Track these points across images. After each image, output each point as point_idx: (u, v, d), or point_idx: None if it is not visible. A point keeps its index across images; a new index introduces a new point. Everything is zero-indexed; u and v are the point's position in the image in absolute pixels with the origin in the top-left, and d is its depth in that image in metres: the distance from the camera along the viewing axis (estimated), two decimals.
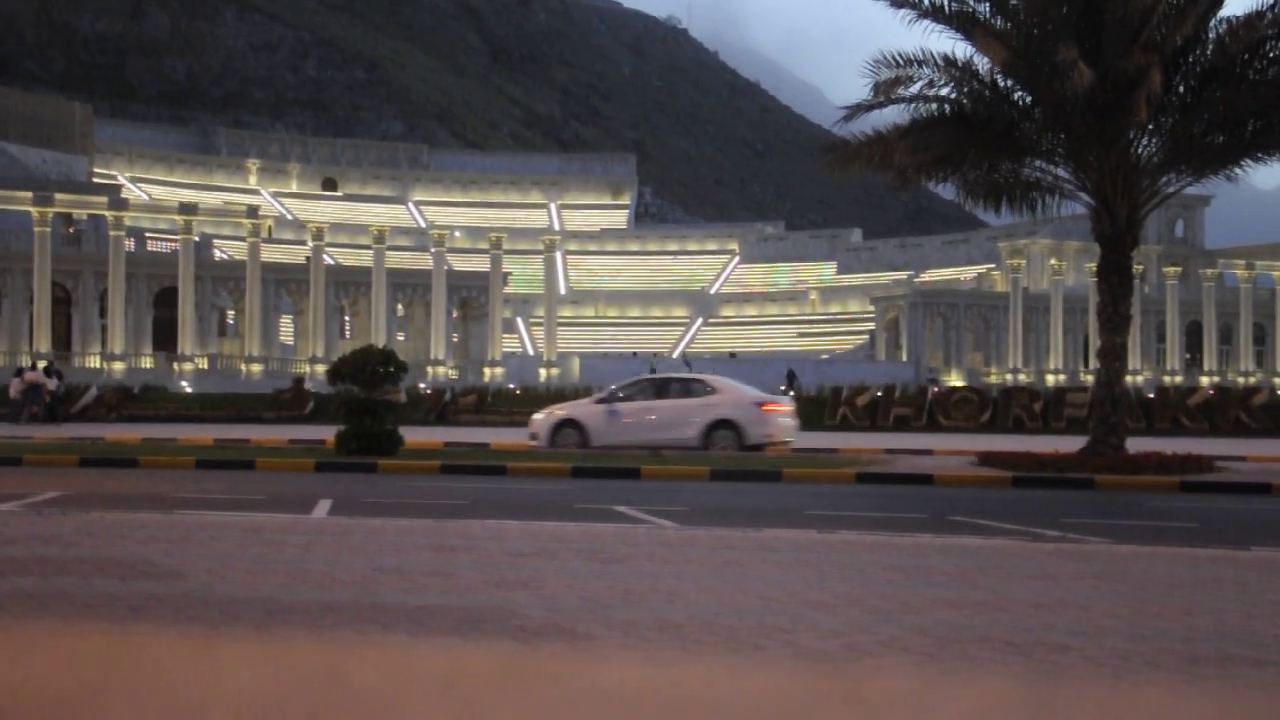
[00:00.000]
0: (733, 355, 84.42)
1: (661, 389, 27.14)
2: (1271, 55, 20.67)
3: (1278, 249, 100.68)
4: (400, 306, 79.52)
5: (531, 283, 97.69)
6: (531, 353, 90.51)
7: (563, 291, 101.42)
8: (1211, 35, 20.91)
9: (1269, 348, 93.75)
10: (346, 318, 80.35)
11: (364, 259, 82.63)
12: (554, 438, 26.04)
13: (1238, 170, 22.01)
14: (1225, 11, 21.07)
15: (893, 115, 22.10)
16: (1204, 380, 76.95)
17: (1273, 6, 20.17)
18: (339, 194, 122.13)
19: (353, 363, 24.05)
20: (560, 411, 27.15)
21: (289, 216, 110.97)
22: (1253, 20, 20.23)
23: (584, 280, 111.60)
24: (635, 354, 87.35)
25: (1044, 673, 4.92)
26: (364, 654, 5.06)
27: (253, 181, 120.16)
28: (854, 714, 3.97)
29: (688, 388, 27.18)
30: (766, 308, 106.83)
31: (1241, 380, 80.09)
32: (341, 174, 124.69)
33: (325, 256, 76.47)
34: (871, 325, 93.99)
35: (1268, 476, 19.17)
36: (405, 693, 4.14)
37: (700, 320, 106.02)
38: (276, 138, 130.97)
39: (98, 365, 66.82)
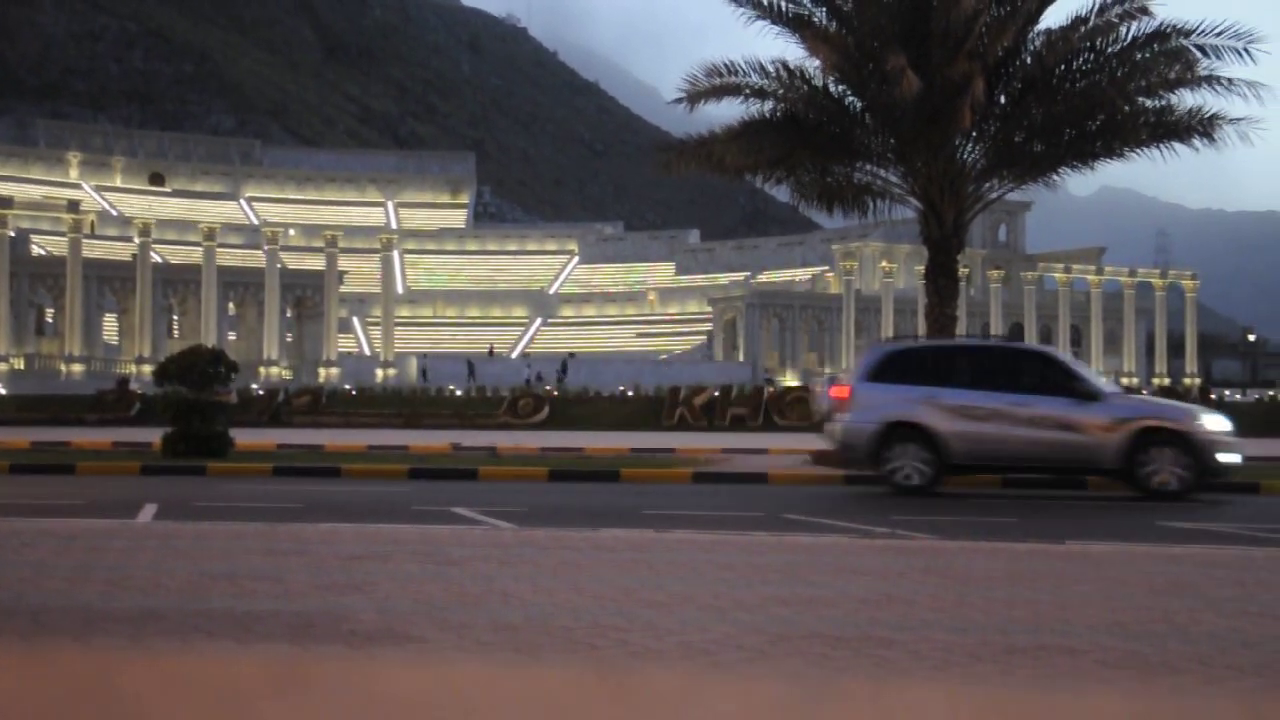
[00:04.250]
0: (572, 355, 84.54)
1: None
2: (1085, 67, 21.57)
3: (1093, 254, 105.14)
4: (232, 305, 77.56)
5: (368, 282, 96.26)
6: (368, 353, 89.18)
7: (400, 291, 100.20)
8: (1031, 47, 21.73)
9: (1085, 349, 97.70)
10: (175, 317, 78.07)
11: (193, 256, 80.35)
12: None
13: (1056, 177, 22.90)
14: (1045, 24, 21.92)
15: (731, 116, 22.45)
16: None
17: (1086, 20, 21.04)
18: (167, 189, 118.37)
19: (181, 363, 23.39)
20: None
21: (113, 212, 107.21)
22: (1067, 33, 21.08)
23: (422, 280, 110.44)
24: (491, 352, 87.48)
25: (820, 670, 5.04)
26: (135, 662, 4.91)
27: (74, 175, 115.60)
28: (619, 712, 4.02)
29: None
30: (606, 308, 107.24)
31: None
32: (170, 169, 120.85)
33: (152, 253, 74.13)
34: (709, 326, 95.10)
35: None
36: (174, 702, 4.03)
37: (540, 320, 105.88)
38: (99, 130, 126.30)
39: None
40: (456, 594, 6.88)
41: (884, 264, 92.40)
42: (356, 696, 4.23)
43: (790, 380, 77.03)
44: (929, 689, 4.66)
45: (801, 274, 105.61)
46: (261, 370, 69.42)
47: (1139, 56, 21.12)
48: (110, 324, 78.10)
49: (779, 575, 7.77)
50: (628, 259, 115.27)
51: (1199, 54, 20.73)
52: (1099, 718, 4.25)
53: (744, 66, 21.73)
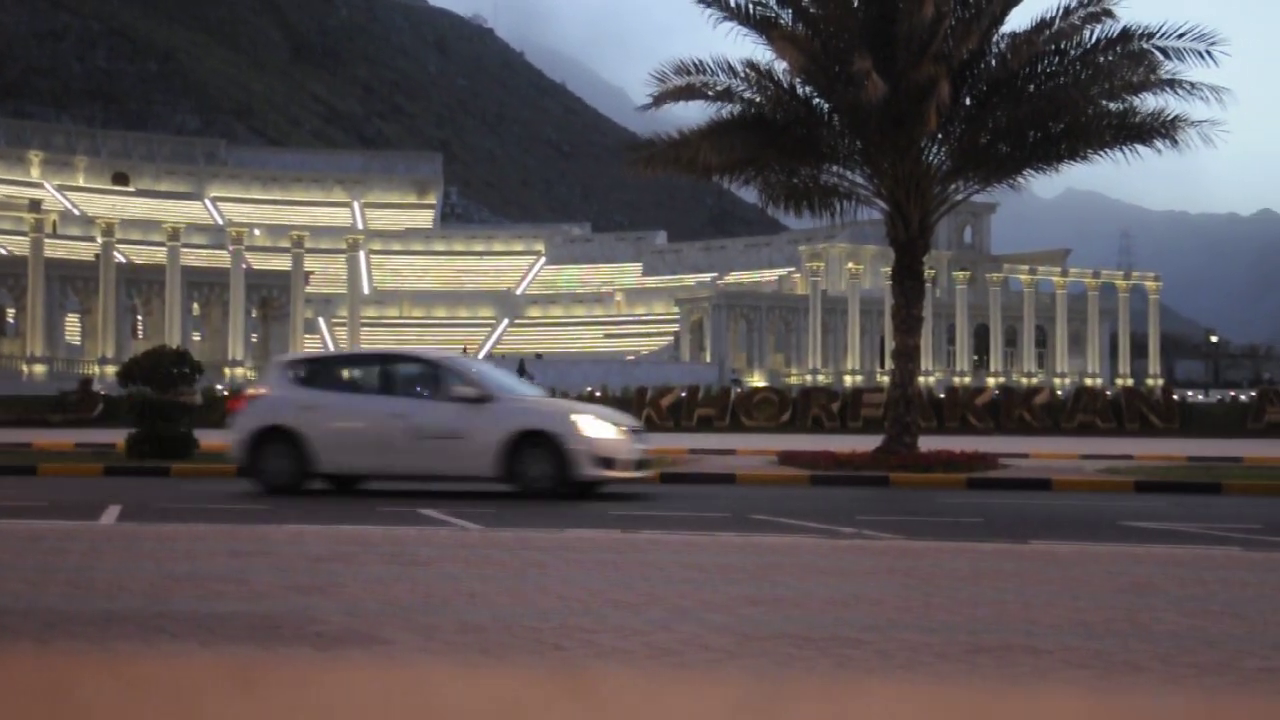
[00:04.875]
0: (539, 356, 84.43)
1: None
2: (1049, 70, 21.70)
3: (1058, 255, 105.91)
4: (196, 306, 77.05)
5: (334, 282, 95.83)
6: None
7: (366, 291, 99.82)
8: (996, 49, 21.84)
9: (1049, 350, 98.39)
10: (139, 317, 77.50)
11: (158, 256, 79.78)
12: None
13: (1021, 179, 23.03)
14: (1009, 27, 22.05)
15: (698, 118, 22.48)
16: (990, 381, 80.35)
17: (1050, 23, 21.17)
18: (131, 189, 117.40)
19: (145, 363, 23.23)
20: None
21: (76, 212, 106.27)
22: (1031, 36, 21.20)
23: (388, 280, 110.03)
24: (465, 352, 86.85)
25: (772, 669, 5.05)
26: (96, 665, 4.87)
27: (35, 174, 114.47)
28: (578, 712, 4.02)
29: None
30: (573, 309, 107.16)
31: (1025, 381, 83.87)
32: (134, 168, 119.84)
33: (116, 253, 73.53)
34: (676, 327, 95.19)
35: (1047, 473, 20.11)
36: (131, 705, 4.00)
37: (506, 321, 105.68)
38: (62, 129, 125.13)
39: None
40: (423, 595, 6.87)
41: (850, 265, 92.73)
42: (314, 698, 4.21)
43: (757, 381, 77.19)
44: (888, 689, 4.68)
45: (768, 275, 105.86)
46: (227, 371, 68.99)
47: (1102, 59, 21.26)
48: (73, 324, 77.44)
49: (746, 575, 7.78)
50: (595, 260, 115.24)
51: (1161, 56, 20.88)
52: (1059, 717, 4.28)
53: (712, 65, 21.76)
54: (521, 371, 65.61)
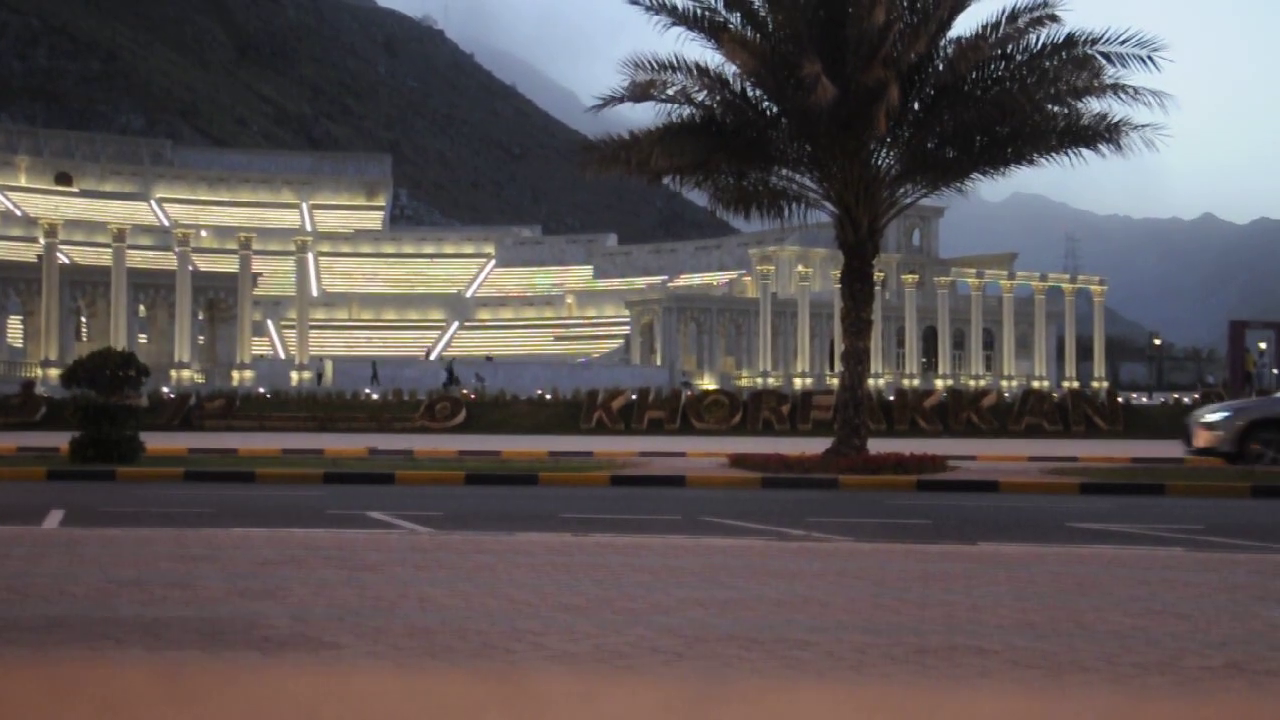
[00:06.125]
0: (489, 359, 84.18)
1: None
2: (996, 75, 21.90)
3: (1005, 259, 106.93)
4: (142, 308, 76.12)
5: (283, 284, 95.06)
6: (283, 356, 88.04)
7: (315, 294, 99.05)
8: (943, 54, 22.01)
9: (997, 352, 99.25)
10: (83, 319, 76.47)
11: (103, 258, 78.80)
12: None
13: (968, 182, 23.24)
14: (957, 32, 22.23)
15: (649, 119, 22.50)
16: (939, 383, 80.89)
17: (997, 28, 21.37)
18: (74, 189, 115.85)
19: (89, 366, 22.94)
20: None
21: (18, 212, 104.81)
22: (978, 41, 21.39)
23: (337, 282, 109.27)
24: (428, 355, 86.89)
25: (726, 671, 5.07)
26: (34, 672, 4.81)
27: None
28: (510, 715, 4.02)
29: None
30: (523, 312, 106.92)
31: (972, 383, 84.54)
32: (77, 168, 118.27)
33: (59, 254, 72.56)
34: (627, 329, 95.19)
35: (995, 475, 20.29)
36: (66, 713, 3.95)
37: (457, 324, 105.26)
38: (2, 128, 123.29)
39: None
40: (372, 599, 6.83)
41: (800, 268, 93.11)
42: (246, 703, 4.18)
43: (708, 384, 77.32)
44: (820, 691, 4.70)
45: (719, 278, 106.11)
46: (173, 374, 68.21)
47: (1048, 64, 21.49)
48: (15, 327, 76.33)
49: (696, 578, 7.80)
50: (545, 262, 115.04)
51: (1105, 62, 21.14)
52: (989, 716, 4.32)
53: (663, 63, 21.76)
54: (450, 375, 65.98)
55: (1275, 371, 64.95)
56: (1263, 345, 69.90)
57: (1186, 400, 49.38)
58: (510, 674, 4.89)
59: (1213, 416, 22.57)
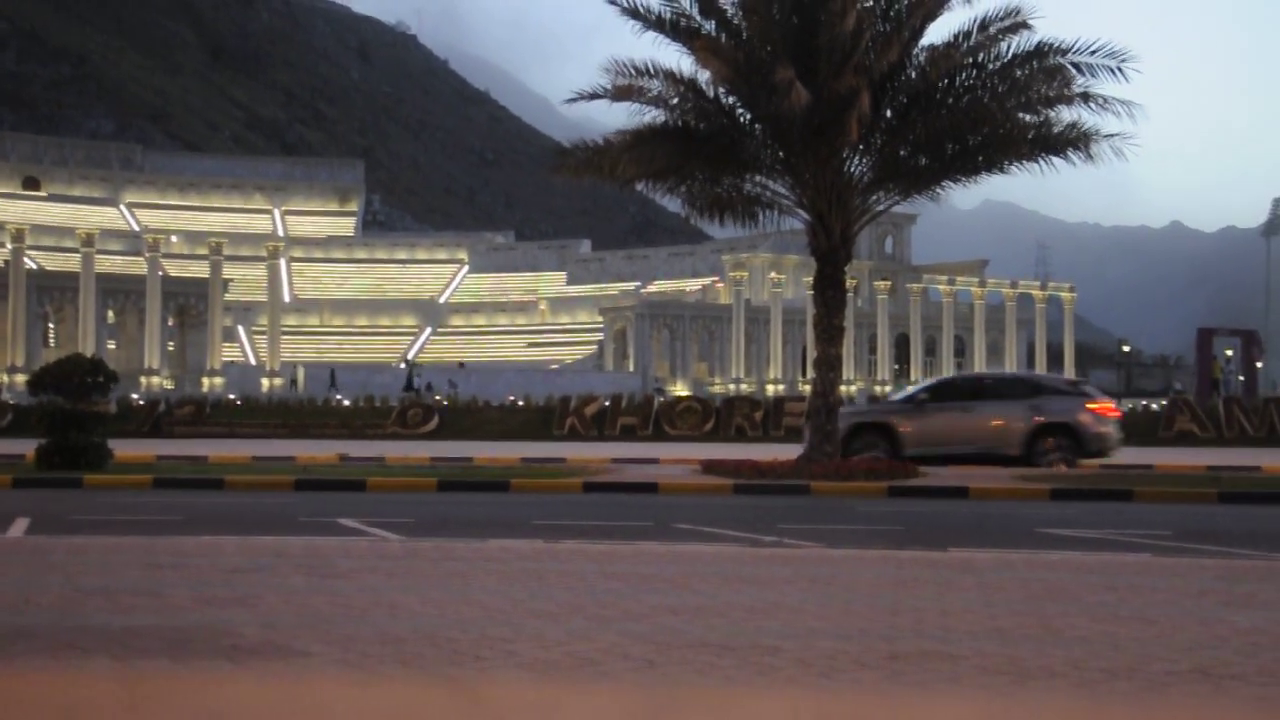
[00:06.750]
0: (461, 365, 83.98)
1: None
2: (968, 83, 22.02)
3: (976, 266, 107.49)
4: (111, 314, 75.65)
5: (254, 290, 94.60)
6: (254, 362, 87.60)
7: (287, 299, 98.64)
8: (916, 62, 22.11)
9: (968, 359, 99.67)
10: (51, 325, 75.94)
11: (71, 263, 78.18)
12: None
13: (940, 190, 23.34)
14: (929, 40, 22.34)
15: (622, 124, 22.50)
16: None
17: (969, 36, 21.49)
18: (42, 194, 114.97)
19: (57, 372, 22.75)
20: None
21: None
22: (950, 49, 21.50)
23: (309, 288, 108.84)
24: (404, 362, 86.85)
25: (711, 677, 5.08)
26: None
27: None
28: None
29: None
30: (496, 318, 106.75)
31: None
32: (45, 173, 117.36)
33: (26, 259, 72.03)
34: (600, 336, 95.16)
35: (965, 480, 20.35)
36: None
37: (429, 330, 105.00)
38: None
39: None
40: (342, 606, 6.80)
41: (773, 275, 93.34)
42: (202, 712, 4.15)
43: (681, 390, 77.37)
44: (780, 699, 4.72)
45: (692, 284, 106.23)
46: (142, 380, 67.77)
47: (1019, 73, 21.61)
48: None
49: (668, 585, 7.80)
50: (518, 268, 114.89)
51: (1076, 71, 21.28)
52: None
53: (639, 68, 21.77)
54: (409, 383, 66.12)
55: (1241, 378, 65.51)
56: (1229, 352, 70.52)
57: (1155, 407, 49.72)
58: (474, 682, 4.88)
59: None
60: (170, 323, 76.61)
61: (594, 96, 22.13)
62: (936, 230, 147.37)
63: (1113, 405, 24.39)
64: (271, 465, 24.66)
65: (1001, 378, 29.50)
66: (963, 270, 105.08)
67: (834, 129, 20.95)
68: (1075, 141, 21.62)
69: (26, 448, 23.99)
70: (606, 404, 44.58)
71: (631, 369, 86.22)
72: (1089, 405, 24.47)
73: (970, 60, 21.74)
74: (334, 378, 70.52)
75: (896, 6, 21.80)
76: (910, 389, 27.18)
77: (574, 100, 22.31)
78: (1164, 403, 46.22)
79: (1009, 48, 21.64)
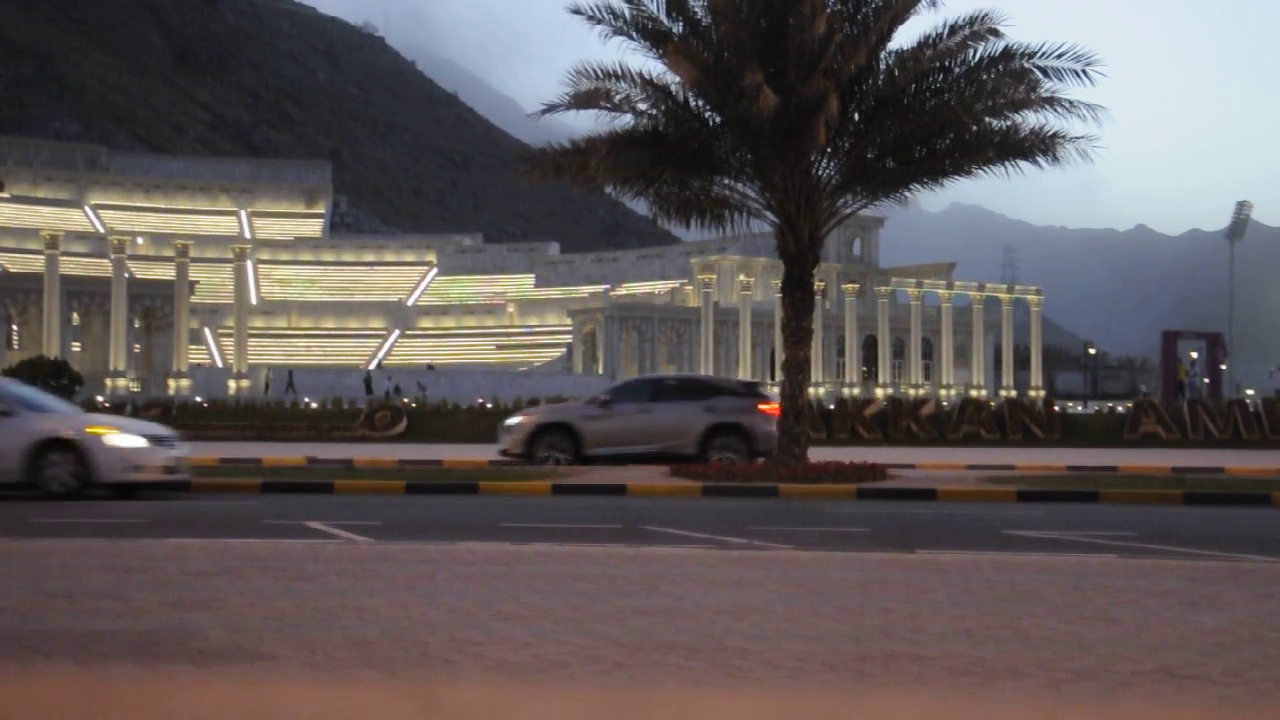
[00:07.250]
0: (430, 368, 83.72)
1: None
2: (935, 87, 22.11)
3: (943, 269, 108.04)
4: (76, 316, 75.06)
5: (220, 292, 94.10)
6: (220, 365, 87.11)
7: (254, 301, 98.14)
8: (883, 66, 22.20)
9: (936, 361, 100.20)
10: (14, 327, 75.28)
11: (35, 265, 77.57)
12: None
13: (908, 193, 23.42)
14: (897, 44, 22.43)
15: (591, 127, 22.47)
16: (879, 392, 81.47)
17: (936, 41, 21.59)
18: (6, 195, 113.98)
19: (21, 374, 22.57)
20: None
21: None
22: (918, 53, 21.60)
23: (276, 290, 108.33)
24: (378, 366, 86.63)
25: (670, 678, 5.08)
26: None
27: None
28: None
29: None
30: (465, 320, 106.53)
31: (912, 392, 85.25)
32: (9, 174, 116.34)
33: None
34: (569, 338, 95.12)
35: (933, 483, 20.45)
36: None
37: (398, 332, 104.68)
38: None
39: None
40: (310, 610, 6.76)
41: (742, 277, 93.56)
42: (163, 717, 4.12)
43: None
44: (740, 701, 4.72)
45: (660, 287, 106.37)
46: (108, 382, 67.29)
47: (985, 77, 21.72)
48: None
49: (637, 587, 7.80)
50: (487, 271, 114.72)
51: (1042, 75, 21.40)
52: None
53: (607, 72, 21.77)
54: (368, 388, 66.22)
55: (1206, 380, 66.06)
56: (1194, 355, 71.07)
57: (1121, 409, 50.07)
58: (436, 685, 4.86)
59: (512, 421, 25.26)
60: (136, 325, 76.11)
61: (561, 107, 22.12)
62: (904, 233, 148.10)
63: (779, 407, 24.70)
64: (238, 467, 24.49)
65: (682, 380, 29.99)
66: (930, 273, 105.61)
67: (802, 132, 20.99)
68: (1041, 145, 21.74)
69: None
70: None
71: (601, 371, 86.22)
72: (760, 406, 24.81)
73: (938, 64, 21.83)
74: (291, 379, 70.41)
75: (864, 10, 21.87)
76: (597, 392, 27.50)
77: (543, 113, 22.28)
78: (1130, 405, 46.54)
79: (976, 52, 21.74)
